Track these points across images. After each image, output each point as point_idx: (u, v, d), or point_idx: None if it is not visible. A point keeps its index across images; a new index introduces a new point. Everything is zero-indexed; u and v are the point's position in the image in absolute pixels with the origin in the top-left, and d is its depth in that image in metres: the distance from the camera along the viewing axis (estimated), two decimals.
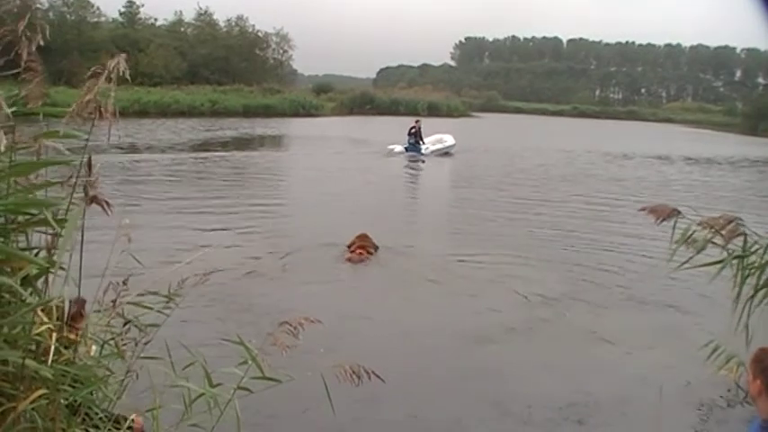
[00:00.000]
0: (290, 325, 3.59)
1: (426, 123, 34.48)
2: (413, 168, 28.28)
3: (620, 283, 11.46)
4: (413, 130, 31.72)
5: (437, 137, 33.53)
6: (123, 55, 3.48)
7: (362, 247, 12.67)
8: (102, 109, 3.45)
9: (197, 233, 13.81)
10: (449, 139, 33.56)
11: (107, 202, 3.75)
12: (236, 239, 13.52)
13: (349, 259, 12.44)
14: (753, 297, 4.15)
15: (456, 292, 10.94)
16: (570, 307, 10.25)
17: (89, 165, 3.61)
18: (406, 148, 31.30)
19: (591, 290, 11.06)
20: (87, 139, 3.52)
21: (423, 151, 31.41)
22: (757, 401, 3.33)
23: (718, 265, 4.27)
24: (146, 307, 3.93)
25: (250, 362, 3.53)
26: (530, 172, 27.09)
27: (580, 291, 11.01)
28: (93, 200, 3.72)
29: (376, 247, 12.87)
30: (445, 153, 32.66)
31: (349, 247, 12.79)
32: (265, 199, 18.73)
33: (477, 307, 10.15)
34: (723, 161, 38.51)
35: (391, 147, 31.49)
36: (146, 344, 3.94)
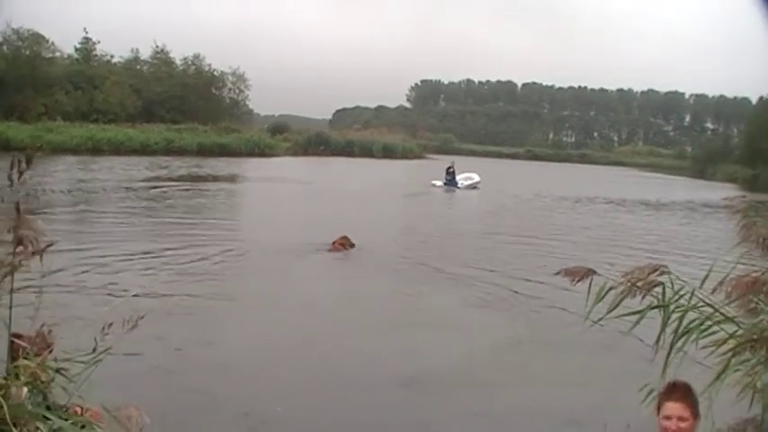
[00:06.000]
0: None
1: (381, 165, 36.24)
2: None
3: (556, 330, 11.43)
4: (450, 170, 40.80)
5: (466, 175, 41.65)
6: None
7: (342, 243, 16.83)
8: None
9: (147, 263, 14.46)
10: (475, 177, 41.62)
11: (37, 243, 3.73)
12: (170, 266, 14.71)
13: (330, 249, 16.62)
14: (672, 344, 4.33)
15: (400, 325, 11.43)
16: (507, 351, 10.36)
17: (17, 208, 3.59)
18: (444, 183, 40.28)
19: (528, 335, 11.22)
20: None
21: (458, 185, 39.95)
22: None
23: (638, 315, 4.44)
24: (75, 360, 3.83)
25: None
26: (481, 220, 27.19)
27: (517, 336, 11.11)
28: (21, 241, 3.69)
29: (352, 245, 16.96)
30: (473, 187, 40.51)
31: (333, 243, 16.80)
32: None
33: (412, 348, 10.23)
34: (682, 207, 38.20)
35: (434, 182, 40.39)
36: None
